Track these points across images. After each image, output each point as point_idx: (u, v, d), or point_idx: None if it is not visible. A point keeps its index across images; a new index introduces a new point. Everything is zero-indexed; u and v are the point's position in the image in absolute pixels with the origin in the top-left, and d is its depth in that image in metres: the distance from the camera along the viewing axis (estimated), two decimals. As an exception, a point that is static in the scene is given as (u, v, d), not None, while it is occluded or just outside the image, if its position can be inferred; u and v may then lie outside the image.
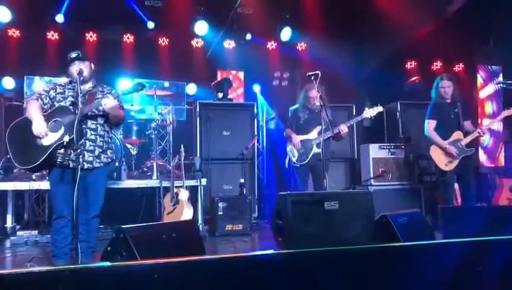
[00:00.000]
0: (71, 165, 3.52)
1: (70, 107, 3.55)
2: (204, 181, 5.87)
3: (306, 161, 5.37)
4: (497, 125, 8.09)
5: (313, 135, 5.41)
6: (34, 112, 3.57)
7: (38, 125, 3.49)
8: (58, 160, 3.52)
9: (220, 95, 7.30)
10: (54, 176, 3.63)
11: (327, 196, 3.95)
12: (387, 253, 2.25)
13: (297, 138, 5.44)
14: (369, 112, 5.24)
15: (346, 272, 2.06)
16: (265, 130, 7.65)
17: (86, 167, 3.57)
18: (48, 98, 3.69)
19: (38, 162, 3.47)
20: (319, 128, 5.25)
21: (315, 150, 5.33)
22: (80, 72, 3.52)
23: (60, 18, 7.30)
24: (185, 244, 3.28)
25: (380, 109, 5.26)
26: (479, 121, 8.05)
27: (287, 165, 5.64)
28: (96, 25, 7.81)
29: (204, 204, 6.00)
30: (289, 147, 5.53)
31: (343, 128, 5.25)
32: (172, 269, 1.83)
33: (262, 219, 6.91)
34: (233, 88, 7.95)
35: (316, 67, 5.11)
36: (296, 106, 5.90)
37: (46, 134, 3.49)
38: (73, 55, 3.69)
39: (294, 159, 5.44)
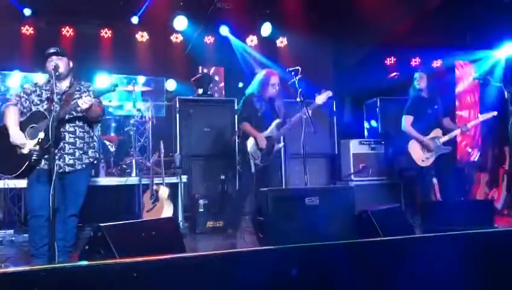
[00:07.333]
0: (46, 167, 3.48)
1: (46, 112, 3.47)
2: (184, 178, 5.83)
3: (269, 161, 4.86)
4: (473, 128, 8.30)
5: (272, 130, 4.88)
6: (10, 121, 3.53)
7: (15, 138, 3.46)
8: (33, 158, 3.42)
9: (200, 90, 7.24)
10: (31, 174, 3.55)
11: (308, 192, 3.96)
12: (367, 247, 2.26)
13: (262, 138, 4.76)
14: (320, 98, 4.82)
15: (327, 267, 2.06)
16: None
17: (67, 170, 3.57)
18: (27, 102, 3.64)
19: (20, 170, 3.44)
20: (276, 121, 4.87)
21: (276, 146, 4.93)
22: (56, 68, 3.44)
23: (27, 12, 7.09)
24: (164, 242, 3.25)
25: (329, 93, 4.88)
26: (457, 114, 8.19)
27: (253, 170, 4.79)
28: (73, 19, 7.65)
29: (185, 201, 5.95)
30: (251, 148, 4.77)
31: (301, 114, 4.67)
32: (152, 267, 1.80)
33: (243, 215, 6.88)
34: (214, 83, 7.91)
35: (296, 63, 5.10)
36: (250, 91, 5.04)
37: (25, 144, 3.44)
38: (51, 50, 3.62)
39: (258, 161, 4.77)
